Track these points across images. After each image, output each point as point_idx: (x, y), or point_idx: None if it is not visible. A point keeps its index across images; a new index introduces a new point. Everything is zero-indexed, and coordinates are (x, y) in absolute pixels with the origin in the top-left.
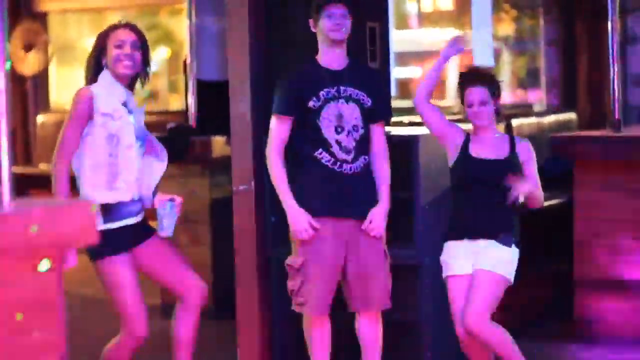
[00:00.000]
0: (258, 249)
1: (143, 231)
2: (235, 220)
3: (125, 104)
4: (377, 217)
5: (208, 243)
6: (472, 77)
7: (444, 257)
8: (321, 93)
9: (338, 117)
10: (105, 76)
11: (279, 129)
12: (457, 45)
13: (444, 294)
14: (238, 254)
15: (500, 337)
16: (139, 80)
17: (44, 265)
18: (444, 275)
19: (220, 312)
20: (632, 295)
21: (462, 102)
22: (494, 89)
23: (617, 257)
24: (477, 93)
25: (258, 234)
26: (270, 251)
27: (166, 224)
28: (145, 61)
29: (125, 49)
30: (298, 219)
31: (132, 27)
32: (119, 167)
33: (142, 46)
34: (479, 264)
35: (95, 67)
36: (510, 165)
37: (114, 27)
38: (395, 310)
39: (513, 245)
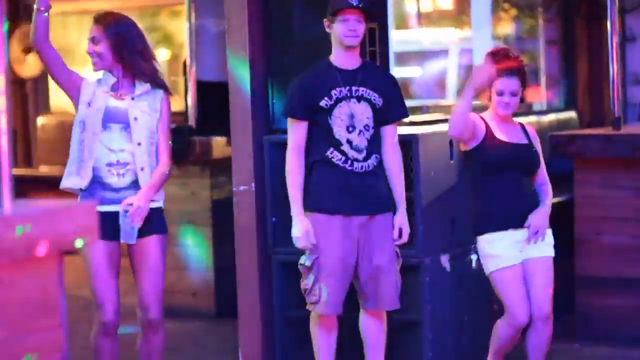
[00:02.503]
0: (259, 250)
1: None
2: (236, 220)
3: (115, 88)
4: (404, 225)
5: (209, 244)
6: (505, 64)
7: (490, 251)
8: (333, 92)
9: (350, 117)
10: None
11: (296, 133)
12: (487, 77)
13: (444, 294)
14: (239, 254)
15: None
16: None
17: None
18: (490, 269)
19: (222, 313)
20: (633, 293)
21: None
22: (525, 78)
23: (618, 255)
24: (510, 84)
25: (259, 234)
26: (271, 251)
27: (122, 231)
28: (120, 46)
29: (90, 45)
30: (300, 228)
31: (96, 19)
32: (84, 152)
33: (109, 36)
34: (533, 252)
35: None
36: (532, 151)
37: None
38: (395, 309)
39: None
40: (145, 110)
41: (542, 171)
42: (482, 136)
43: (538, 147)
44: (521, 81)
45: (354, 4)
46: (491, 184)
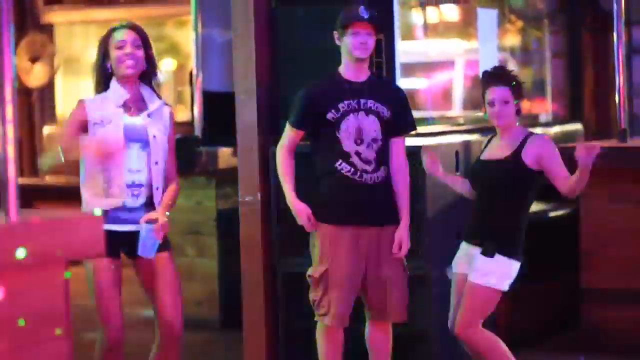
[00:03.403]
0: (264, 260)
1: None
2: (242, 231)
3: (126, 105)
4: (405, 239)
5: (214, 254)
6: (494, 76)
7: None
8: (340, 105)
9: (357, 130)
10: (112, 82)
11: (290, 136)
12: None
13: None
14: (244, 264)
15: (490, 345)
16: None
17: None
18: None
19: (227, 323)
20: (639, 305)
21: (484, 101)
22: (517, 89)
23: (624, 267)
24: (498, 92)
25: (264, 244)
26: (276, 262)
27: (141, 245)
28: (149, 59)
29: (125, 48)
30: (299, 214)
31: (131, 26)
32: (111, 172)
33: (144, 44)
34: (470, 273)
35: (102, 73)
36: (505, 165)
37: (114, 29)
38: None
39: (497, 255)
40: (161, 129)
41: (558, 173)
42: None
43: (547, 157)
44: (514, 92)
45: (365, 17)
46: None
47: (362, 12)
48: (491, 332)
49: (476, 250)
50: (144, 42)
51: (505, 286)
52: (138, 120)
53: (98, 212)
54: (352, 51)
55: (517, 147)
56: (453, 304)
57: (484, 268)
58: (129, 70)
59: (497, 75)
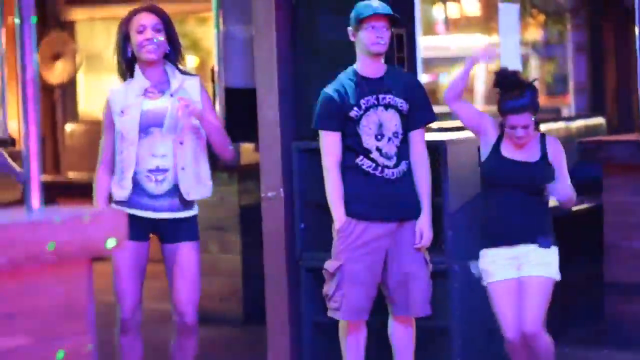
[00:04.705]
0: (287, 256)
1: (173, 232)
2: (264, 227)
3: (147, 90)
4: (426, 229)
5: (237, 250)
6: (515, 102)
7: (483, 265)
8: (362, 102)
9: (378, 125)
10: (135, 69)
11: (331, 145)
12: (486, 55)
13: (473, 300)
14: (267, 260)
15: (550, 347)
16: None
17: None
18: (485, 282)
19: (250, 319)
20: None
21: (499, 110)
22: (536, 106)
23: None
24: (520, 119)
25: (287, 240)
26: (299, 257)
27: (166, 123)
28: (172, 40)
29: (146, 33)
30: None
31: (152, 9)
32: (124, 163)
33: (166, 27)
34: (527, 271)
35: (123, 59)
36: (542, 169)
37: (135, 12)
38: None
39: (552, 246)
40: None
41: (559, 184)
42: (490, 142)
43: (559, 162)
44: (532, 111)
45: (380, 11)
46: (491, 200)
47: (377, 5)
48: None
49: (525, 248)
50: (166, 24)
51: (559, 275)
52: (160, 103)
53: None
54: (369, 46)
55: (541, 149)
56: (505, 312)
57: (545, 260)
58: (150, 55)
59: (517, 102)
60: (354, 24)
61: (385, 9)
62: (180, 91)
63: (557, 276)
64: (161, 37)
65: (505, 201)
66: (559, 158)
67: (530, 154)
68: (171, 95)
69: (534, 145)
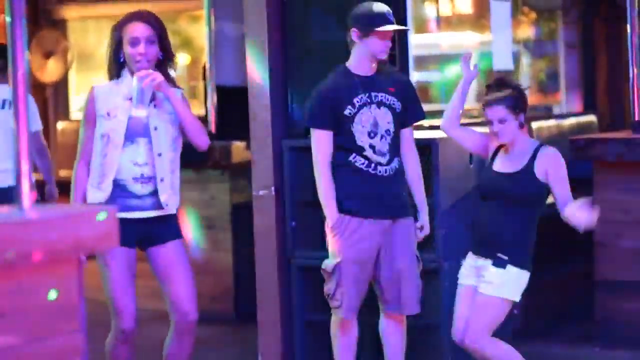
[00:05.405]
0: (278, 254)
1: (159, 232)
2: (256, 225)
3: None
4: (426, 223)
5: (228, 248)
6: (490, 96)
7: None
8: (355, 100)
9: (372, 123)
10: (123, 72)
11: (323, 143)
12: (467, 63)
13: None
14: (258, 258)
15: (501, 352)
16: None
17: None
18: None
19: (242, 317)
20: None
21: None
22: (515, 104)
23: (637, 259)
24: (494, 112)
25: (278, 238)
26: (290, 255)
27: (134, 98)
28: (165, 49)
29: (139, 47)
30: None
31: (146, 19)
32: (106, 167)
33: (160, 36)
34: (480, 285)
35: (114, 62)
36: (517, 180)
37: (129, 19)
38: (415, 313)
39: (509, 266)
40: (166, 119)
41: (559, 195)
42: (487, 160)
43: (553, 172)
44: (511, 107)
45: (394, 25)
46: (476, 209)
47: (390, 14)
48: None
49: (486, 262)
50: (160, 34)
51: (517, 297)
52: (143, 113)
53: (102, 216)
54: (376, 53)
55: (528, 160)
56: (458, 315)
57: (497, 279)
58: (142, 68)
59: (494, 92)
60: (363, 28)
61: (392, 17)
62: (162, 102)
63: (510, 297)
64: (153, 50)
65: (481, 211)
66: (552, 172)
67: (515, 165)
68: (155, 107)
69: (524, 155)
